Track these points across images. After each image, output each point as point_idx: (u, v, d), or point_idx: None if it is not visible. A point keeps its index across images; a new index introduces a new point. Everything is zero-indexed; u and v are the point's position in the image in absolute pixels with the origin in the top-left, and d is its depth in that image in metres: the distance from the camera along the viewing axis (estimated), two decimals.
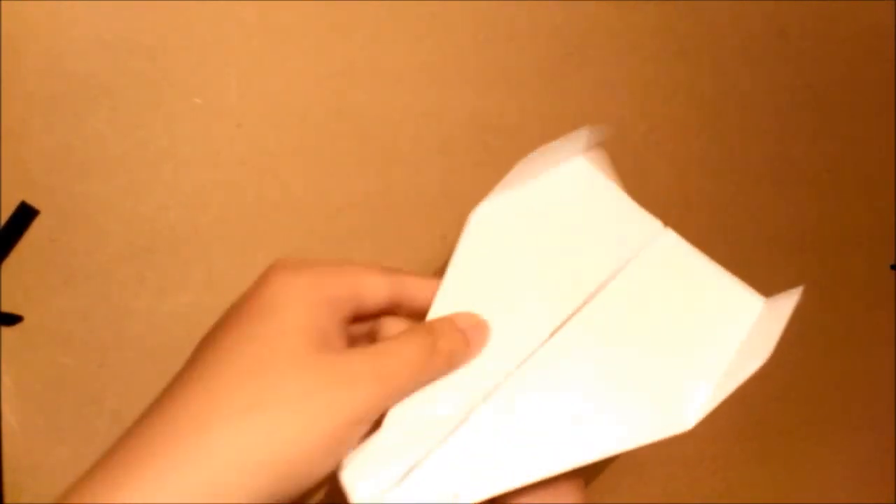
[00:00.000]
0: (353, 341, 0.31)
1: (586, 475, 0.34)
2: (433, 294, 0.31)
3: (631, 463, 0.48)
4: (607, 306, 0.32)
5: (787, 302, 0.32)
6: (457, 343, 0.30)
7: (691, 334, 0.32)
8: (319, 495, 0.39)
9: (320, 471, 0.26)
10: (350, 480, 0.27)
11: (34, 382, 0.37)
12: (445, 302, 0.31)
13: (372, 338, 0.31)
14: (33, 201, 0.37)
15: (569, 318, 0.32)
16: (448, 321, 0.30)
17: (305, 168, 0.41)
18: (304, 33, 0.41)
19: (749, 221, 0.51)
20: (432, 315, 0.31)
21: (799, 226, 0.52)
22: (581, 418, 0.30)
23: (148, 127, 0.39)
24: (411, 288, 0.31)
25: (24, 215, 0.37)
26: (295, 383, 0.26)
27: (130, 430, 0.26)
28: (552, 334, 0.31)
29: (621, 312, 0.32)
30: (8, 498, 0.37)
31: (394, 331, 0.30)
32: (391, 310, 0.31)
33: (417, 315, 0.32)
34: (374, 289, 0.30)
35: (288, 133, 0.41)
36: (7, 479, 0.37)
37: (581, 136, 0.36)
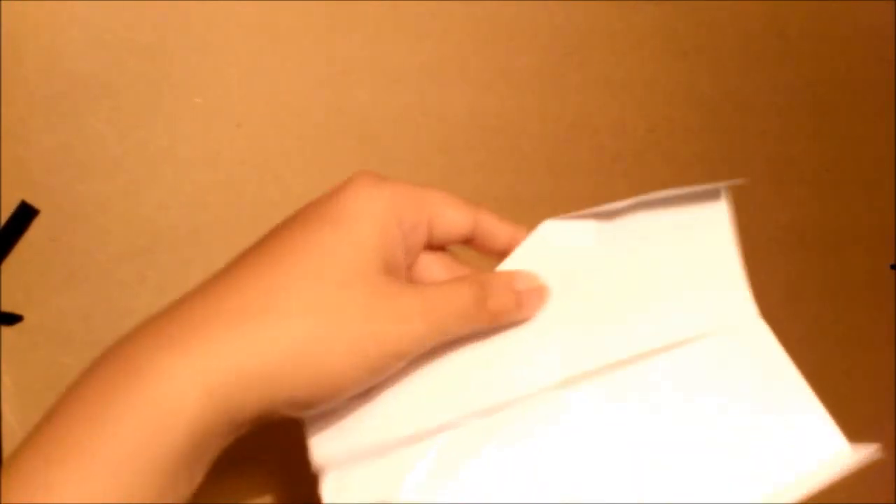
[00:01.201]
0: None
1: None
2: (508, 236, 0.30)
3: None
4: (663, 372, 0.29)
5: (866, 453, 0.29)
6: (507, 304, 0.29)
7: (746, 441, 0.29)
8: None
9: (348, 391, 0.26)
10: (317, 442, 0.27)
11: (34, 382, 0.37)
12: None
13: (410, 271, 0.30)
14: (33, 201, 0.37)
15: (614, 366, 0.29)
16: (505, 278, 0.29)
17: (305, 168, 0.41)
18: (304, 33, 0.41)
19: (749, 221, 0.51)
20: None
21: (799, 226, 0.52)
22: (588, 475, 0.27)
23: (148, 127, 0.39)
24: (488, 225, 0.30)
25: (24, 215, 0.37)
26: (353, 302, 0.25)
27: (181, 304, 0.26)
28: (586, 377, 0.29)
29: (676, 385, 0.29)
30: None
31: (436, 272, 0.30)
32: (464, 242, 0.31)
33: (491, 252, 0.31)
34: (452, 221, 0.30)
35: (288, 133, 0.41)
36: None
37: (716, 192, 0.33)
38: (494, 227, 0.30)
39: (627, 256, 0.31)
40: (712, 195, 0.32)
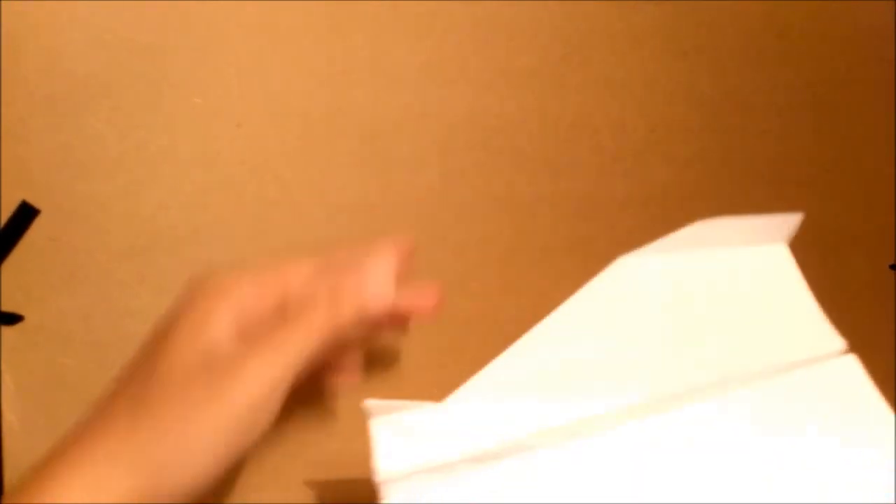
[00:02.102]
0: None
1: None
2: (364, 266, 0.30)
3: None
4: (751, 401, 0.28)
5: None
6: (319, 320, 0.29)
7: (833, 473, 0.27)
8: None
9: (223, 469, 0.28)
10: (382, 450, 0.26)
11: (34, 382, 0.37)
12: (555, 325, 0.29)
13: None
14: (33, 201, 0.37)
15: (695, 393, 0.28)
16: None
17: (305, 168, 0.41)
18: (304, 33, 0.41)
19: None
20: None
21: (799, 226, 0.52)
22: None
23: (148, 127, 0.39)
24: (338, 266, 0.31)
25: (25, 215, 0.37)
26: (169, 412, 0.27)
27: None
28: (667, 401, 0.27)
29: (762, 415, 0.28)
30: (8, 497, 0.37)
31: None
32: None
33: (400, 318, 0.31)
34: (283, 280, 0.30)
35: (288, 133, 0.41)
36: (7, 478, 0.37)
37: (783, 224, 0.32)
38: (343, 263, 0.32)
39: (701, 290, 0.30)
40: (774, 229, 0.32)
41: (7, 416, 0.37)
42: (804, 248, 0.52)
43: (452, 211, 0.43)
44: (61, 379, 0.38)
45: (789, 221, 0.32)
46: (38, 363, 0.37)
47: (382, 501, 0.26)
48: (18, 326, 0.37)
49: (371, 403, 0.27)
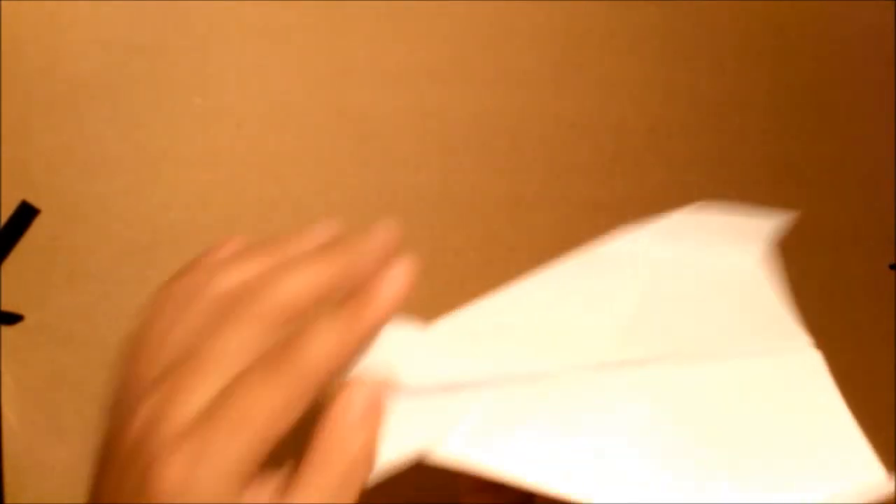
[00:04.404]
0: None
1: None
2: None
3: None
4: (702, 377, 0.29)
5: None
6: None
7: (785, 454, 0.28)
8: None
9: None
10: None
11: (35, 381, 0.37)
12: (537, 281, 0.30)
13: None
14: (34, 201, 0.37)
15: (667, 361, 0.29)
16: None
17: (305, 168, 0.41)
18: (304, 33, 0.41)
19: None
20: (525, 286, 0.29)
21: (798, 225, 0.52)
22: (613, 460, 0.27)
23: (148, 127, 0.39)
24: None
25: (25, 215, 0.37)
26: None
27: None
28: (640, 363, 0.29)
29: (726, 391, 0.29)
30: (9, 497, 0.37)
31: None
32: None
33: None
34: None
35: (288, 133, 0.41)
36: (8, 478, 0.37)
37: (770, 224, 0.34)
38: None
39: (680, 277, 0.31)
40: (758, 230, 0.34)
41: (7, 416, 0.37)
42: (804, 249, 0.53)
43: (452, 211, 0.43)
44: (61, 379, 0.38)
45: (776, 222, 0.33)
46: (38, 363, 0.37)
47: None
48: (18, 326, 0.37)
49: None
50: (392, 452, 0.25)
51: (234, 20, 0.40)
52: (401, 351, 0.27)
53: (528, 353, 0.28)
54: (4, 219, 0.37)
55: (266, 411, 0.21)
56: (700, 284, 0.32)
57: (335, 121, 0.42)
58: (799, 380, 0.31)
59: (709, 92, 0.49)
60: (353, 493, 0.23)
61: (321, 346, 0.23)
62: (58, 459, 0.38)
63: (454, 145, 0.44)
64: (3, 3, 0.37)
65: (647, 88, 0.48)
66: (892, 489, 0.28)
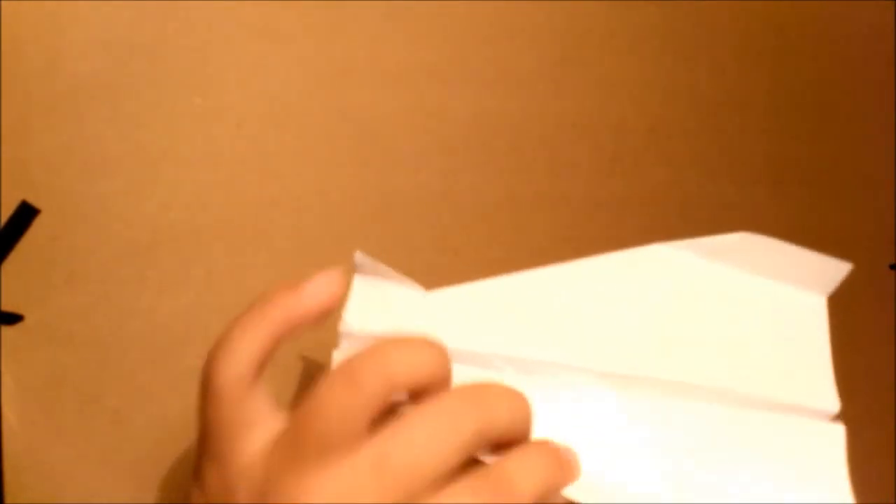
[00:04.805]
0: None
1: None
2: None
3: None
4: (709, 418, 0.28)
5: None
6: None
7: None
8: None
9: None
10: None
11: (35, 381, 0.37)
12: (566, 271, 0.29)
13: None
14: (33, 201, 0.37)
15: (630, 382, 0.28)
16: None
17: (305, 168, 0.41)
18: (303, 33, 0.41)
19: (749, 221, 0.51)
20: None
21: (799, 226, 0.52)
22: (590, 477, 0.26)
23: (148, 127, 0.39)
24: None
25: (25, 214, 0.37)
26: None
27: None
28: (606, 378, 0.28)
29: (699, 434, 0.28)
30: (9, 497, 0.37)
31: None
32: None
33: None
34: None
35: (288, 133, 0.41)
36: (8, 478, 0.37)
37: (829, 270, 0.31)
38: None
39: (718, 303, 0.30)
40: (823, 273, 0.31)
41: (7, 416, 0.37)
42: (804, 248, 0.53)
43: (452, 211, 0.43)
44: (61, 379, 0.38)
45: (838, 269, 0.31)
46: (38, 363, 0.37)
47: (335, 351, 0.27)
48: (18, 326, 0.37)
49: (360, 258, 0.27)
50: None
51: (234, 20, 0.40)
52: (398, 308, 0.28)
53: (530, 339, 0.28)
54: (4, 219, 0.37)
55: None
56: (737, 311, 0.30)
57: (335, 121, 0.42)
58: (813, 451, 0.29)
59: (709, 92, 0.49)
60: None
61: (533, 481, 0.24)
62: (58, 459, 0.38)
63: (454, 145, 0.44)
64: (3, 3, 0.36)
65: (647, 88, 0.48)
66: None
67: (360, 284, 0.28)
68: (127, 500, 0.39)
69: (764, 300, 0.30)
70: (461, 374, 0.25)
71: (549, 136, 0.46)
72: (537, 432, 0.26)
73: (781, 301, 0.30)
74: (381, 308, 0.27)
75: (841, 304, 0.54)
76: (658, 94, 0.48)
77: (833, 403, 0.29)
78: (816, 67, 0.52)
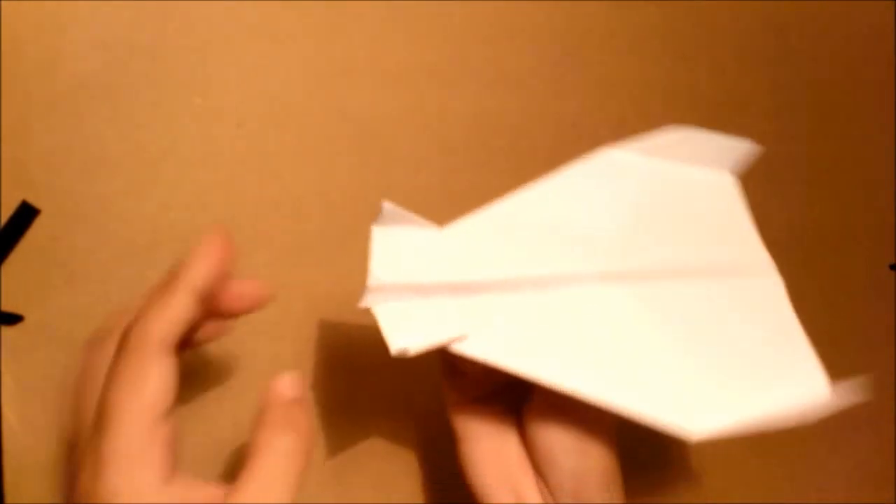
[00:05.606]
0: None
1: None
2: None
3: (630, 463, 0.48)
4: (671, 292, 0.32)
5: (848, 392, 0.32)
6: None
7: (735, 365, 0.32)
8: None
9: None
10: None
11: (35, 382, 0.37)
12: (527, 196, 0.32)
13: None
14: (33, 201, 0.37)
15: (624, 277, 0.32)
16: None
17: (305, 168, 0.41)
18: (304, 33, 0.41)
19: None
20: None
21: (799, 225, 0.52)
22: (606, 360, 0.30)
23: (148, 127, 0.39)
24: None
25: (25, 215, 0.37)
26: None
27: None
28: (606, 277, 0.31)
29: (684, 306, 0.32)
30: (8, 498, 0.37)
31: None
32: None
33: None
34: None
35: (288, 133, 0.41)
36: (7, 478, 0.37)
37: (738, 148, 0.36)
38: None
39: (661, 194, 0.34)
40: (730, 151, 0.36)
41: (7, 416, 0.37)
42: (804, 248, 0.53)
43: (452, 211, 0.43)
44: (61, 379, 0.38)
45: (742, 148, 0.36)
46: (38, 363, 0.37)
47: (363, 304, 0.28)
48: (18, 326, 0.37)
49: (387, 207, 0.29)
50: (422, 340, 0.28)
51: (234, 20, 0.40)
52: (419, 251, 0.29)
53: (536, 257, 0.31)
54: (4, 219, 0.37)
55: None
56: (681, 199, 0.35)
57: (335, 121, 0.42)
58: (763, 301, 0.34)
59: (709, 92, 0.49)
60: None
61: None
62: (58, 459, 0.38)
63: (454, 145, 0.44)
64: (3, 3, 0.37)
65: (647, 88, 0.48)
66: (834, 399, 0.33)
67: (379, 236, 0.30)
68: None
69: (695, 186, 0.35)
70: (492, 302, 0.29)
71: (549, 136, 0.46)
72: (571, 344, 0.30)
73: (707, 184, 0.36)
74: (402, 255, 0.29)
75: (841, 304, 0.54)
76: (658, 94, 0.48)
77: (767, 262, 0.35)
78: (816, 67, 0.52)
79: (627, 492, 0.33)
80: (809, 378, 0.33)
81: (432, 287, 0.29)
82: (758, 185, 0.52)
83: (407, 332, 0.28)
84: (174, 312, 0.28)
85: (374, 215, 0.42)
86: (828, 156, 0.53)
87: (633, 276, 0.32)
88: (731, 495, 0.50)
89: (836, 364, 0.54)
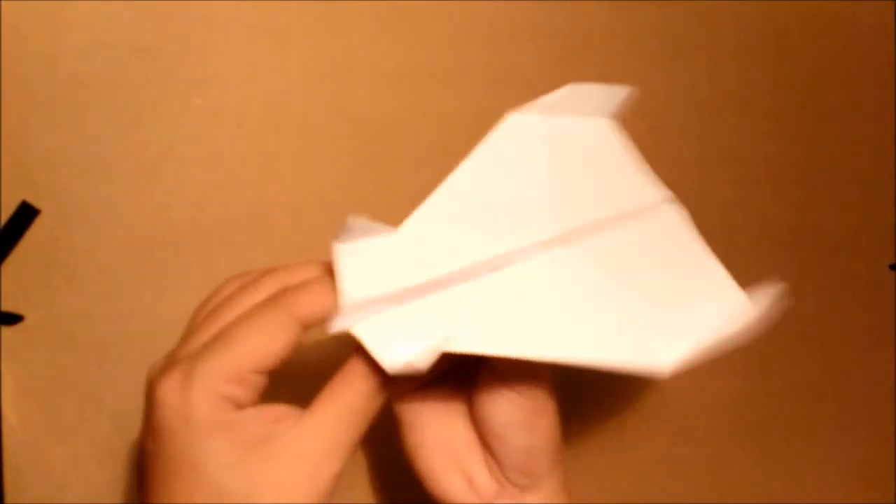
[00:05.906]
0: None
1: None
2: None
3: (630, 462, 0.48)
4: (604, 243, 0.33)
5: (767, 296, 0.33)
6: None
7: (673, 298, 0.33)
8: None
9: None
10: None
11: (35, 382, 0.37)
12: (448, 191, 0.32)
13: None
14: (34, 201, 0.37)
15: (562, 240, 0.33)
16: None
17: (305, 168, 0.41)
18: (304, 33, 0.41)
19: (749, 221, 0.51)
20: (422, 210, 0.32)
21: (799, 226, 0.52)
22: (573, 322, 0.30)
23: (148, 127, 0.39)
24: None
25: (25, 215, 0.37)
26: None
27: None
28: (547, 244, 0.32)
29: (616, 254, 0.33)
30: (9, 497, 0.37)
31: None
32: None
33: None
34: (271, 348, 0.27)
35: (288, 133, 0.41)
36: (8, 478, 0.37)
37: (619, 94, 0.37)
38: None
39: (559, 154, 0.36)
40: (609, 98, 0.38)
41: (7, 416, 0.37)
42: (804, 249, 0.53)
43: None
44: (61, 379, 0.38)
45: (623, 93, 0.38)
46: (38, 363, 0.37)
47: (338, 327, 0.28)
48: (18, 326, 0.37)
49: (352, 221, 0.29)
50: (413, 352, 0.28)
51: (234, 20, 0.40)
52: (384, 260, 0.29)
53: (485, 240, 0.31)
54: (4, 219, 0.37)
55: (245, 339, 0.27)
56: (579, 152, 0.36)
57: (335, 121, 0.42)
58: (672, 232, 0.36)
59: (709, 92, 0.50)
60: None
61: (300, 295, 0.28)
62: (58, 459, 0.38)
63: (454, 145, 0.44)
64: (3, 3, 0.37)
65: (647, 88, 0.48)
66: (756, 312, 0.33)
67: (343, 254, 0.29)
68: (127, 500, 0.39)
69: (587, 137, 0.37)
70: (458, 294, 0.30)
71: None
72: (539, 316, 0.30)
73: (595, 132, 0.37)
74: (369, 268, 0.29)
75: (841, 304, 0.54)
76: (658, 94, 0.48)
77: (664, 193, 0.37)
78: (816, 67, 0.52)
79: (628, 491, 0.33)
80: (730, 294, 0.34)
81: (402, 294, 0.29)
82: (758, 185, 0.52)
83: (394, 345, 0.28)
84: (277, 346, 0.28)
85: (374, 215, 0.42)
86: (828, 156, 0.53)
87: (567, 238, 0.33)
88: (730, 495, 0.50)
89: (836, 364, 0.54)
